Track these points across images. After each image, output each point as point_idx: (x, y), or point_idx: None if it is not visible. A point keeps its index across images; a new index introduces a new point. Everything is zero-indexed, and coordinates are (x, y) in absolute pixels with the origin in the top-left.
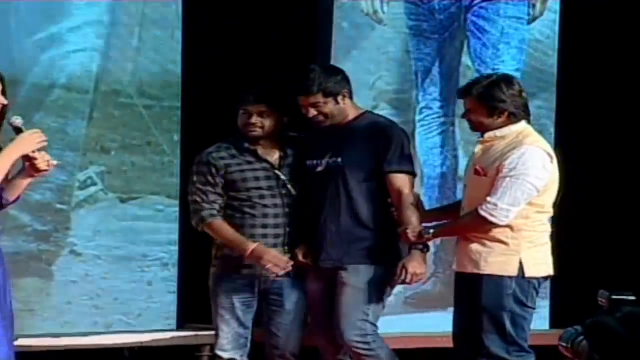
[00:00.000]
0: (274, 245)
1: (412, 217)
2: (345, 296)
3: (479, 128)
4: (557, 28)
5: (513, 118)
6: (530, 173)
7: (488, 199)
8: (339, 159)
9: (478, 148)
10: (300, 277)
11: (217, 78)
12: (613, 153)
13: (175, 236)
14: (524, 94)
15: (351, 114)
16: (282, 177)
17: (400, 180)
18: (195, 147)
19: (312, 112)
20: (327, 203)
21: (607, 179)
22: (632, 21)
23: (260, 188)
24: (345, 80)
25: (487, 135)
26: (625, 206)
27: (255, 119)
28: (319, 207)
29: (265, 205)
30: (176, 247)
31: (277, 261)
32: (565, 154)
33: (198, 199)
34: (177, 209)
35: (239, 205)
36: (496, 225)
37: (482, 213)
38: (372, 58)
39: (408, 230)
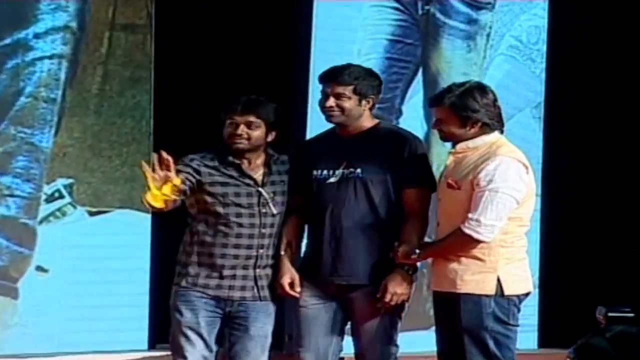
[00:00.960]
0: (244, 267)
1: (413, 237)
2: (371, 323)
3: (450, 139)
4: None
5: (486, 129)
6: (508, 185)
7: (470, 215)
8: (359, 170)
9: (450, 160)
10: (271, 299)
11: (191, 85)
12: (604, 169)
13: (146, 252)
14: (497, 104)
15: (367, 124)
16: (265, 195)
17: (415, 195)
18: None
19: (332, 102)
20: (343, 216)
21: (598, 192)
22: (620, 26)
23: (239, 206)
24: (378, 89)
25: (459, 146)
26: (616, 222)
27: (241, 130)
28: (330, 220)
29: (241, 225)
30: (148, 264)
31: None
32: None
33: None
34: (148, 223)
35: (214, 222)
36: (481, 242)
37: (467, 231)
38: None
39: (400, 250)
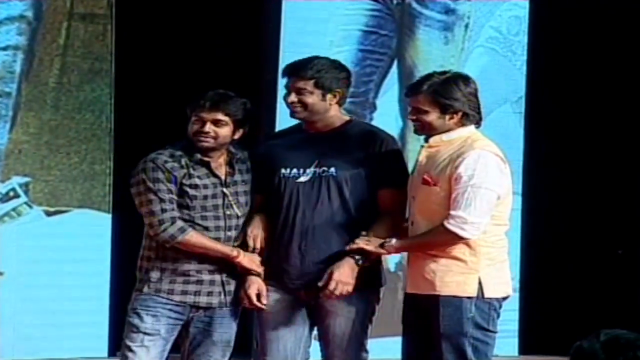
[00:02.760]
0: (211, 272)
1: (382, 230)
2: (341, 328)
3: (427, 130)
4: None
5: (466, 120)
6: (490, 180)
7: (453, 212)
8: (332, 169)
9: (422, 155)
10: (237, 304)
11: (153, 79)
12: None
13: (106, 254)
14: (479, 96)
15: (337, 121)
16: (229, 196)
17: (390, 196)
18: (129, 154)
19: (293, 97)
20: (316, 217)
21: (582, 191)
22: (602, 23)
23: (205, 208)
24: (346, 82)
25: (433, 140)
26: (601, 222)
27: (208, 128)
28: (300, 222)
29: (206, 228)
30: (108, 267)
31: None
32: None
33: (162, 208)
34: (109, 224)
35: None
36: (464, 240)
37: (452, 228)
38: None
39: (367, 238)
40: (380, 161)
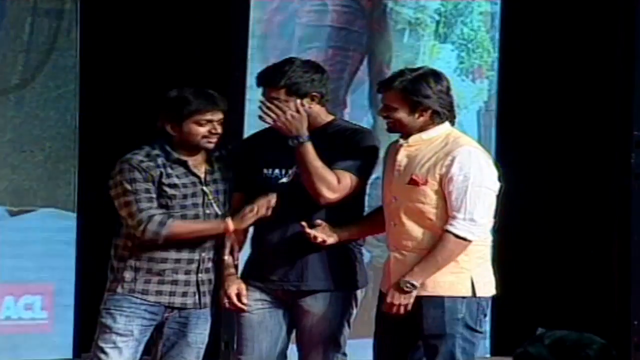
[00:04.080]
0: (187, 273)
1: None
2: (317, 328)
3: (398, 127)
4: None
5: (436, 118)
6: (487, 178)
7: (458, 214)
8: None
9: (401, 155)
10: (211, 305)
11: (120, 76)
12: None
13: (72, 254)
14: (451, 92)
15: (320, 122)
16: (209, 194)
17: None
18: (95, 153)
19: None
20: (296, 218)
21: (555, 192)
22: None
23: (184, 207)
24: (322, 82)
25: (413, 139)
26: (573, 222)
27: (220, 128)
28: (280, 222)
29: None
30: (73, 267)
31: (263, 204)
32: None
33: (139, 208)
34: (74, 224)
35: None
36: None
37: (462, 233)
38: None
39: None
40: (348, 149)
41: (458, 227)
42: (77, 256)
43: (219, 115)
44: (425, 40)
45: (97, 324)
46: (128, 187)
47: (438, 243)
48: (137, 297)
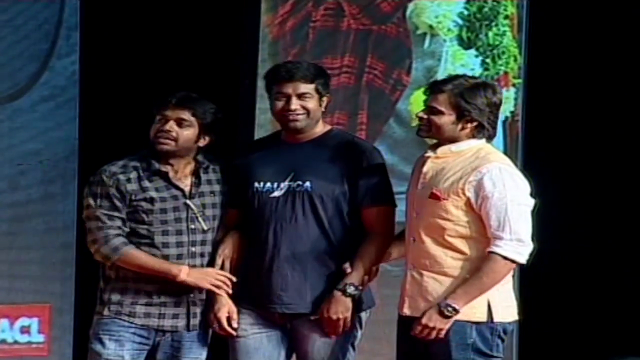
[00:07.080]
0: (176, 294)
1: (366, 261)
2: (320, 354)
3: (434, 132)
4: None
5: (478, 132)
6: (523, 195)
7: (503, 235)
8: (307, 184)
9: (427, 167)
10: (205, 327)
11: (120, 81)
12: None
13: (71, 273)
14: (500, 110)
15: (318, 130)
16: (193, 208)
17: (375, 215)
18: (96, 166)
19: (296, 104)
20: (289, 235)
21: (587, 204)
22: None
23: (165, 222)
24: (329, 88)
25: (441, 150)
26: (598, 246)
27: (170, 127)
28: (273, 240)
29: (166, 245)
30: (72, 288)
31: (221, 279)
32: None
33: (98, 226)
34: (74, 240)
35: (137, 241)
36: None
37: (510, 255)
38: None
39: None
40: (363, 176)
41: (505, 248)
42: (76, 275)
43: (178, 114)
44: (447, 46)
45: (88, 350)
46: (91, 202)
47: (483, 265)
48: (124, 320)
